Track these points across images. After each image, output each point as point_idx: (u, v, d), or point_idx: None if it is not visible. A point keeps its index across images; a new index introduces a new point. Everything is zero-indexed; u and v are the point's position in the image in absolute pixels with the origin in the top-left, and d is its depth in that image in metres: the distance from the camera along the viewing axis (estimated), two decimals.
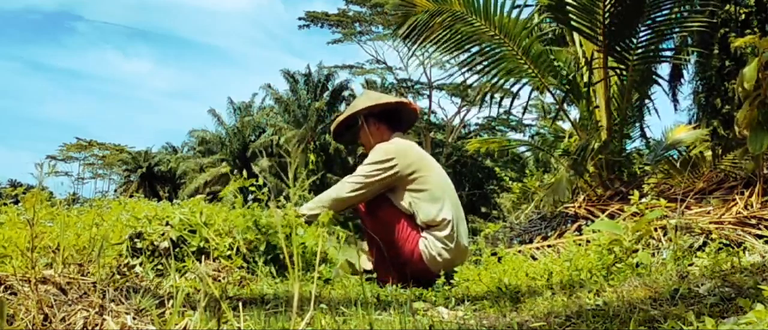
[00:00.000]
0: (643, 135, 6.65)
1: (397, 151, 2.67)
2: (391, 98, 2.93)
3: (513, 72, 5.84)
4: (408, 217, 2.66)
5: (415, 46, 5.69)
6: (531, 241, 4.78)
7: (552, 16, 5.56)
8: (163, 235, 2.13)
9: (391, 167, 2.62)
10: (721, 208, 3.94)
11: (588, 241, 3.36)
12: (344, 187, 2.63)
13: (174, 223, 2.17)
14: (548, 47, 5.81)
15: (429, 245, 2.63)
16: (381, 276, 2.64)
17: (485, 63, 5.82)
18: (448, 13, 5.50)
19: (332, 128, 2.97)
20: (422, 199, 2.65)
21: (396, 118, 2.88)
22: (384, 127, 2.82)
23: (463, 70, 5.87)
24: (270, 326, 1.24)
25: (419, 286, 2.80)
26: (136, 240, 2.16)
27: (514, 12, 5.52)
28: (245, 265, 2.19)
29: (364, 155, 2.82)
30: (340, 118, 2.90)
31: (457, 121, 31.19)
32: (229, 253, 2.16)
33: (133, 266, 2.02)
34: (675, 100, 7.34)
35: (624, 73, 5.52)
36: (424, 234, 2.65)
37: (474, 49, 5.75)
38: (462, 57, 5.87)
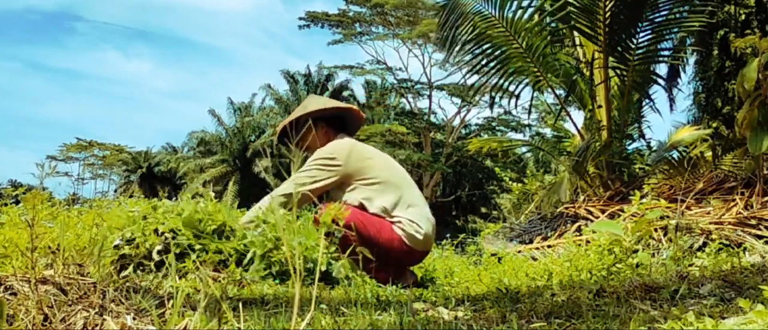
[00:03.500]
0: (641, 135, 6.65)
1: (337, 149, 2.74)
2: (340, 103, 3.03)
3: (518, 71, 5.87)
4: (366, 209, 2.68)
5: (452, 33, 5.76)
6: (531, 242, 4.78)
7: (554, 16, 5.57)
8: (155, 242, 2.12)
9: (336, 165, 2.68)
10: (722, 209, 3.94)
11: (588, 242, 3.36)
12: (285, 186, 2.66)
13: (165, 230, 2.16)
14: (553, 46, 5.83)
15: (404, 226, 2.65)
16: (378, 276, 2.64)
17: (493, 63, 5.86)
18: (471, 5, 5.62)
19: (278, 128, 2.97)
20: (377, 189, 2.69)
21: (342, 124, 2.95)
22: (331, 132, 2.89)
23: (474, 70, 5.92)
24: (270, 326, 1.24)
25: (420, 275, 2.82)
26: (126, 247, 2.15)
27: (527, 10, 5.57)
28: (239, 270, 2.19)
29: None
30: (290, 118, 2.93)
31: (457, 121, 31.18)
32: (221, 257, 2.16)
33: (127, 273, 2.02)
34: (671, 100, 7.33)
35: (624, 73, 5.53)
36: (394, 218, 2.67)
37: (485, 46, 5.81)
38: (474, 57, 5.93)
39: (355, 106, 3.03)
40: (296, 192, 2.61)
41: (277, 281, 2.18)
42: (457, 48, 5.86)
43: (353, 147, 2.78)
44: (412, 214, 2.70)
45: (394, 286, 2.33)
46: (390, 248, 2.60)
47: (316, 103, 2.95)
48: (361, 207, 2.66)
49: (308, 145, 2.88)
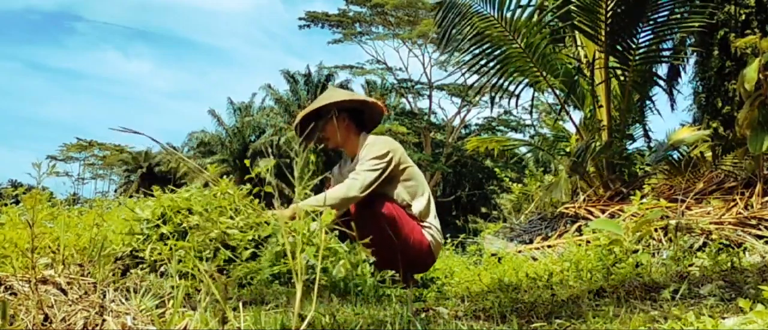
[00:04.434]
0: (645, 135, 6.65)
1: (390, 142, 2.73)
2: (366, 97, 2.97)
3: (518, 71, 5.86)
4: (404, 208, 2.68)
5: (449, 31, 5.74)
6: (531, 242, 4.78)
7: (554, 14, 5.57)
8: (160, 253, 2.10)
9: (390, 159, 2.66)
10: (722, 209, 3.93)
11: (588, 242, 3.36)
12: (356, 185, 2.56)
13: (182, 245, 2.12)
14: (553, 45, 5.83)
15: (433, 233, 2.70)
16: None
17: (493, 63, 5.85)
18: (468, 6, 5.61)
19: (300, 117, 2.86)
20: (414, 190, 2.72)
21: (363, 117, 2.90)
22: (352, 125, 2.83)
23: (473, 70, 5.92)
24: (270, 326, 1.25)
25: (420, 275, 2.82)
26: (128, 261, 2.13)
27: (526, 10, 5.56)
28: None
29: (330, 150, 2.83)
30: (312, 106, 2.84)
31: (457, 121, 31.16)
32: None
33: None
34: (672, 100, 7.33)
35: (625, 73, 5.53)
36: (425, 223, 2.70)
37: (485, 46, 5.80)
38: (473, 57, 5.92)
39: (379, 101, 2.98)
40: (359, 196, 2.55)
41: (277, 281, 2.18)
42: (454, 46, 5.85)
43: (395, 142, 2.80)
44: (438, 224, 2.76)
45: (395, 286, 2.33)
46: (417, 250, 2.61)
47: (340, 94, 2.89)
48: (404, 207, 2.68)
49: (327, 135, 2.84)
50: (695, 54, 7.20)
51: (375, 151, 2.66)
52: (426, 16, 26.93)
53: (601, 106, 5.76)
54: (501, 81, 5.94)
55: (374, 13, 29.23)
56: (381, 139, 2.76)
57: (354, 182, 2.58)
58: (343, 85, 31.10)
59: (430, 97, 30.74)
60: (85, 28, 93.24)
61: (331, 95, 2.86)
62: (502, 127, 29.98)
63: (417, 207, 2.70)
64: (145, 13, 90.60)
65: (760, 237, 3.38)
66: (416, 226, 2.66)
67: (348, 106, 2.83)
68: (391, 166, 2.66)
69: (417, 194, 2.72)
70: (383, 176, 2.63)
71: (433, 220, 2.73)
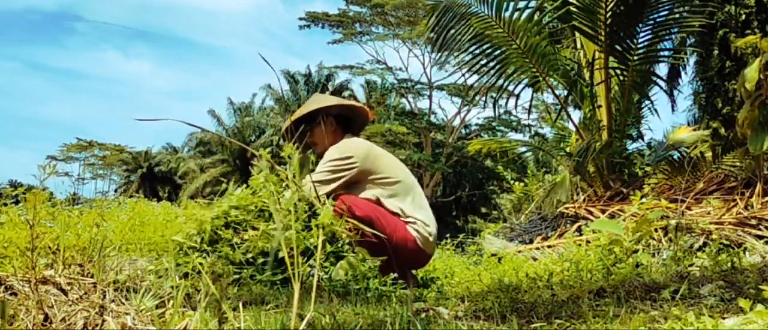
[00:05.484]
0: (640, 136, 6.65)
1: (352, 147, 2.72)
2: (351, 101, 3.01)
3: (518, 71, 5.86)
4: (382, 206, 2.65)
5: (444, 34, 5.73)
6: (531, 242, 4.78)
7: (554, 14, 5.57)
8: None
9: (352, 163, 2.64)
10: (722, 209, 3.94)
11: (588, 242, 3.37)
12: (304, 188, 2.48)
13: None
14: (552, 46, 5.82)
15: (419, 227, 2.65)
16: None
17: (492, 63, 5.85)
18: (466, 6, 5.60)
19: (288, 123, 2.90)
20: (392, 186, 2.69)
21: (349, 122, 2.94)
22: (339, 129, 2.88)
23: (473, 71, 5.91)
24: (270, 326, 1.24)
25: (420, 275, 2.80)
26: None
27: (524, 11, 5.55)
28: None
29: (320, 156, 2.84)
30: (300, 112, 2.88)
31: (457, 121, 31.15)
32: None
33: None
34: (672, 100, 7.33)
35: (625, 73, 5.53)
36: (409, 218, 2.66)
37: (484, 47, 5.79)
38: (473, 57, 5.91)
39: (364, 105, 3.02)
40: (314, 194, 2.48)
41: (277, 281, 2.18)
42: (450, 47, 5.83)
43: (367, 144, 2.79)
44: (425, 216, 2.70)
45: (395, 286, 2.33)
46: (403, 248, 2.59)
47: (327, 99, 2.95)
48: (378, 204, 2.65)
49: (315, 140, 2.87)
50: (695, 54, 7.20)
51: (335, 153, 2.67)
52: (426, 16, 26.89)
53: (600, 107, 5.76)
54: (501, 81, 5.93)
55: (374, 13, 29.24)
56: (348, 143, 2.76)
57: (304, 184, 2.49)
58: (343, 86, 31.13)
59: (430, 97, 30.75)
60: (85, 28, 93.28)
61: (318, 101, 2.91)
62: (502, 128, 29.96)
63: (396, 202, 2.66)
64: (145, 13, 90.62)
65: (760, 237, 3.38)
66: (399, 223, 2.62)
67: (335, 111, 2.88)
68: (352, 172, 2.63)
69: (396, 190, 2.69)
70: (341, 180, 2.62)
71: (417, 213, 2.68)
